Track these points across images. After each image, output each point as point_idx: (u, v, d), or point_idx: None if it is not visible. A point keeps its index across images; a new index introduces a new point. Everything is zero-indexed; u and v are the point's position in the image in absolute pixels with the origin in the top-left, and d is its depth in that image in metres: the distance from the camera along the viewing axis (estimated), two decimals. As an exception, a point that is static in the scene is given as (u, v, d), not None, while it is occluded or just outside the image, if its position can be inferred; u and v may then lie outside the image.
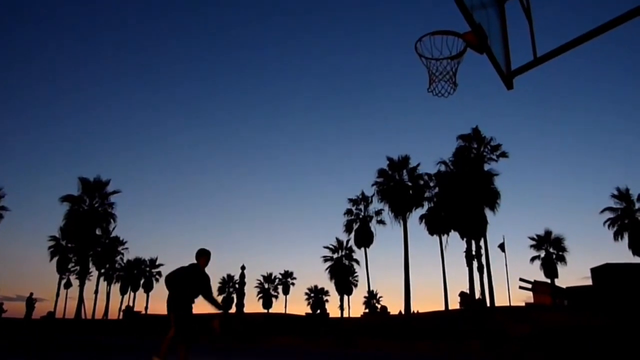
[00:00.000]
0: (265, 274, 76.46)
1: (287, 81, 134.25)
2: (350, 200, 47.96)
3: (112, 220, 44.14)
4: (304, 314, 60.99)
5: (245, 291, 35.37)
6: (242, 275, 35.39)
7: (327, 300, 72.85)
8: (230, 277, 75.11)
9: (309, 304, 72.64)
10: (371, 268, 65.44)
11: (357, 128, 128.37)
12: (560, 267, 45.73)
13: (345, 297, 55.87)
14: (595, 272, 23.28)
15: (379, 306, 75.49)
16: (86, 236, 42.52)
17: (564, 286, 36.24)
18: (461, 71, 4.04)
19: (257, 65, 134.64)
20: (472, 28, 3.49)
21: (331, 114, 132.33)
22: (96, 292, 56.50)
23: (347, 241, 51.66)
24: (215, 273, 79.80)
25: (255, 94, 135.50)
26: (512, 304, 37.80)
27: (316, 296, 72.81)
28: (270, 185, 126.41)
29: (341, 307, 53.73)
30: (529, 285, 31.54)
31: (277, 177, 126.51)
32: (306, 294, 73.59)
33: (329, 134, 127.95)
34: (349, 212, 47.75)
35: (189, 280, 6.71)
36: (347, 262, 53.33)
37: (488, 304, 34.55)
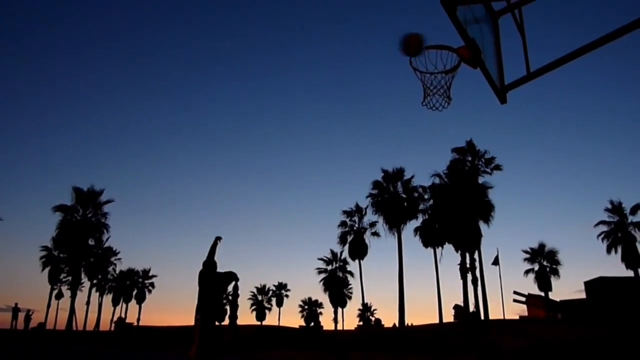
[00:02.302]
0: (259, 286, 76.06)
1: (282, 93, 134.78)
2: (345, 212, 47.93)
3: (105, 231, 43.83)
4: (297, 326, 60.58)
5: (239, 303, 35.10)
6: (236, 287, 35.11)
7: (321, 313, 72.40)
8: (223, 289, 74.50)
9: (302, 316, 72.16)
10: (365, 280, 65.27)
11: (352, 140, 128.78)
12: (554, 280, 45.62)
13: (340, 309, 55.60)
14: (589, 285, 23.37)
15: (373, 319, 75.12)
16: (79, 246, 42.16)
17: (557, 299, 36.29)
18: (456, 85, 4.08)
19: (252, 76, 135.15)
20: (466, 43, 3.54)
21: (327, 125, 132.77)
22: (88, 303, 55.87)
23: (341, 253, 51.56)
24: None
25: (250, 105, 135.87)
26: (506, 317, 37.75)
27: (310, 308, 72.35)
28: (264, 196, 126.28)
29: (335, 320, 53.46)
30: (523, 299, 31.59)
31: (271, 189, 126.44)
32: (300, 306, 73.14)
33: (324, 145, 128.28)
34: (343, 224, 47.71)
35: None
36: (341, 274, 53.17)
37: (482, 317, 34.47)
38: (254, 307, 74.77)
